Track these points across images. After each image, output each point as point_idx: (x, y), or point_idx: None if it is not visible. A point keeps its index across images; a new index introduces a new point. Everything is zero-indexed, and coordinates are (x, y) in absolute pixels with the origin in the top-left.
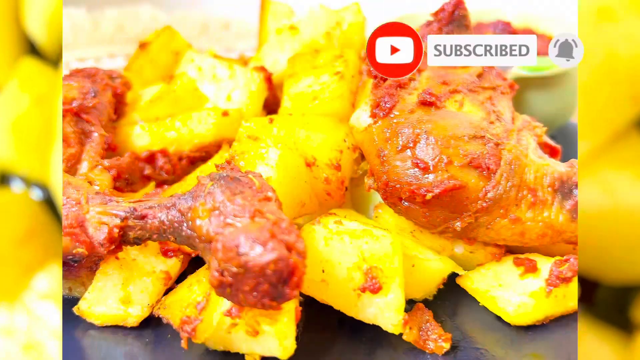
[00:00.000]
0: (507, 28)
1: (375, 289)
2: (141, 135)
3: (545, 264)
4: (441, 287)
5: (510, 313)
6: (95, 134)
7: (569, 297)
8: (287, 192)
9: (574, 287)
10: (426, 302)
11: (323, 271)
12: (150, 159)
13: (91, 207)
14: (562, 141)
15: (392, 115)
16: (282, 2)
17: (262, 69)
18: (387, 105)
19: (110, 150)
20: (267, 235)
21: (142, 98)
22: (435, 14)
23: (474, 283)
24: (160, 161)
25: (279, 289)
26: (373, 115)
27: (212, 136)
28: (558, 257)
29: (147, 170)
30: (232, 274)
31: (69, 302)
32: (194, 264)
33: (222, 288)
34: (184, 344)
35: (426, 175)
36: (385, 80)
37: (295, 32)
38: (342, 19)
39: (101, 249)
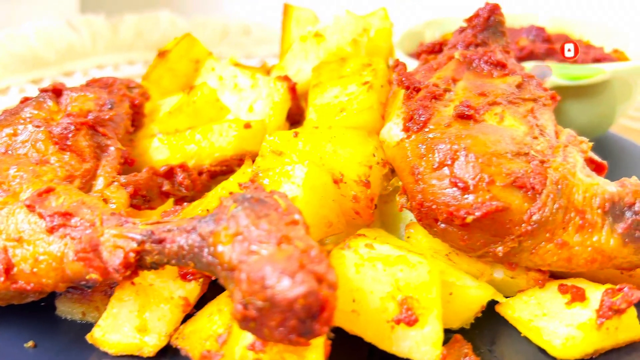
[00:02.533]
0: (540, 34)
1: (412, 322)
2: (159, 149)
3: (594, 292)
4: (479, 315)
5: (557, 346)
6: (112, 148)
7: (621, 330)
8: (314, 212)
9: (627, 319)
10: (463, 332)
11: (354, 301)
12: (169, 174)
13: (106, 229)
14: (600, 153)
15: (426, 130)
16: (306, 7)
17: (286, 78)
18: (421, 118)
19: (127, 164)
20: (296, 266)
21: (161, 109)
22: (469, 19)
23: (516, 311)
24: (180, 176)
25: (307, 325)
26: (406, 129)
27: (233, 149)
28: (610, 286)
29: (166, 186)
30: (257, 307)
31: (82, 328)
32: (213, 287)
33: (245, 322)
34: None
35: (466, 196)
36: (418, 90)
37: (321, 39)
38: (369, 25)
39: (116, 275)
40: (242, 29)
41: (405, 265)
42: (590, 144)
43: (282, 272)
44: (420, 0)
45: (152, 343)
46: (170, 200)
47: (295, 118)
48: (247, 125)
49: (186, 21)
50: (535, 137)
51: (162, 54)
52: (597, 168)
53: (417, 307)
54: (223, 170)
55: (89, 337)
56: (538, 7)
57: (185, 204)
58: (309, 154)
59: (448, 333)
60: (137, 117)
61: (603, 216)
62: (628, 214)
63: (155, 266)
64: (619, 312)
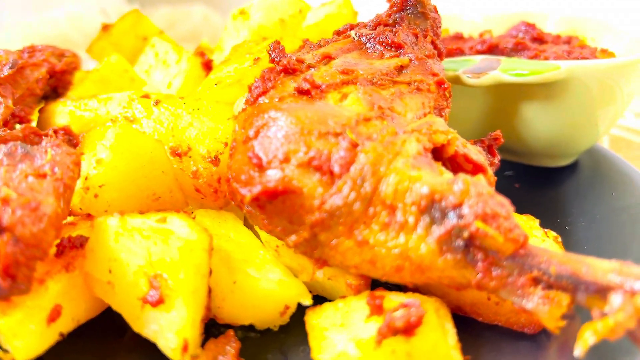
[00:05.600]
0: (530, 30)
1: (155, 302)
2: (62, 114)
3: (395, 305)
4: (286, 317)
5: None
6: (1, 106)
7: (417, 358)
8: (129, 180)
9: (429, 345)
10: (265, 333)
11: (110, 271)
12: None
13: None
14: (584, 172)
15: (258, 103)
16: None
17: (202, 54)
18: (256, 91)
19: (23, 124)
20: None
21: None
22: None
23: (319, 317)
24: (59, 139)
25: None
26: (246, 102)
27: None
28: (407, 299)
29: None
30: None
31: None
32: None
33: None
34: None
35: (256, 173)
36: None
37: (245, 17)
38: (307, 8)
39: None
40: None
41: (160, 238)
42: (451, 137)
43: None
44: None
45: None
46: None
47: None
48: (146, 96)
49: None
50: (368, 119)
51: (105, 28)
52: (474, 169)
53: (164, 287)
54: None
55: None
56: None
57: None
58: (161, 124)
59: (249, 331)
60: (61, 84)
61: (418, 215)
62: (450, 216)
63: None
64: (398, 331)
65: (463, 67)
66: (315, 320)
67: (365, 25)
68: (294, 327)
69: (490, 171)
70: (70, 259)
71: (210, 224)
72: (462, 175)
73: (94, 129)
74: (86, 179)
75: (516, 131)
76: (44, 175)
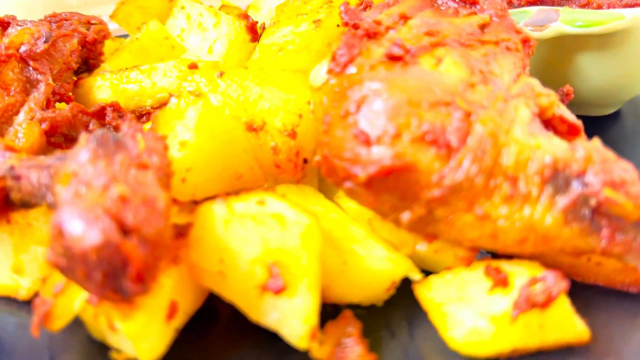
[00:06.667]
0: None
1: (278, 289)
2: (102, 88)
3: (521, 277)
4: (392, 292)
5: (457, 338)
6: (42, 84)
7: (548, 328)
8: (212, 160)
9: (556, 315)
10: (370, 310)
11: (221, 261)
12: (99, 113)
13: None
14: (626, 122)
15: (347, 72)
16: None
17: (245, 16)
18: (342, 59)
19: (65, 102)
20: (99, 212)
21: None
22: None
23: (431, 291)
24: (109, 116)
25: (118, 281)
26: (329, 71)
27: (176, 90)
28: (536, 272)
29: (93, 126)
30: (61, 255)
31: None
32: None
33: (63, 272)
34: (33, 329)
35: (365, 151)
36: (358, 28)
37: None
38: None
39: None
40: None
41: (278, 225)
42: (553, 99)
43: (80, 218)
44: None
45: (27, 286)
46: None
47: None
48: (193, 65)
49: None
50: (472, 85)
51: None
52: (570, 130)
53: (286, 274)
54: None
55: None
56: None
57: None
58: (230, 97)
59: (356, 309)
60: (92, 55)
61: (541, 185)
62: (574, 184)
63: (26, 205)
64: (537, 305)
65: (520, 18)
66: (429, 295)
67: None
68: (396, 301)
69: (581, 126)
70: (176, 250)
71: (298, 201)
72: (580, 141)
73: (167, 107)
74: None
75: (567, 80)
76: (145, 166)
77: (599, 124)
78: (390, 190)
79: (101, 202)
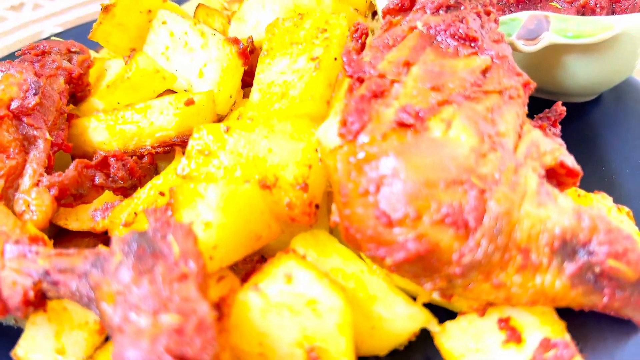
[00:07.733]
0: None
1: None
2: (98, 130)
3: (533, 334)
4: (412, 339)
5: None
6: (40, 141)
7: None
8: (235, 233)
9: None
10: (392, 354)
11: (260, 344)
12: (102, 164)
13: (7, 261)
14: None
15: (359, 141)
16: None
17: (236, 40)
18: (353, 127)
19: (64, 151)
20: (160, 351)
21: (106, 75)
22: None
23: (449, 340)
24: (114, 167)
25: None
26: (341, 136)
27: (176, 128)
28: (550, 335)
29: (99, 179)
30: None
31: (16, 334)
32: None
33: None
34: None
35: (388, 233)
36: (362, 81)
37: None
38: None
39: (17, 312)
40: None
41: (313, 314)
42: (557, 155)
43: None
44: None
45: None
46: (109, 193)
47: (251, 81)
48: (190, 102)
49: None
50: (484, 155)
51: (106, 9)
52: (568, 174)
53: (325, 357)
54: (167, 150)
55: (13, 355)
56: None
57: (116, 201)
58: (240, 155)
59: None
60: (79, 89)
61: (550, 255)
62: (581, 253)
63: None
64: None
65: (511, 28)
66: (448, 345)
67: (423, 8)
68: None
69: (580, 172)
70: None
71: (316, 252)
72: (584, 209)
73: (185, 184)
74: None
75: (554, 76)
76: (185, 277)
77: (581, 109)
78: (413, 265)
79: (156, 333)
